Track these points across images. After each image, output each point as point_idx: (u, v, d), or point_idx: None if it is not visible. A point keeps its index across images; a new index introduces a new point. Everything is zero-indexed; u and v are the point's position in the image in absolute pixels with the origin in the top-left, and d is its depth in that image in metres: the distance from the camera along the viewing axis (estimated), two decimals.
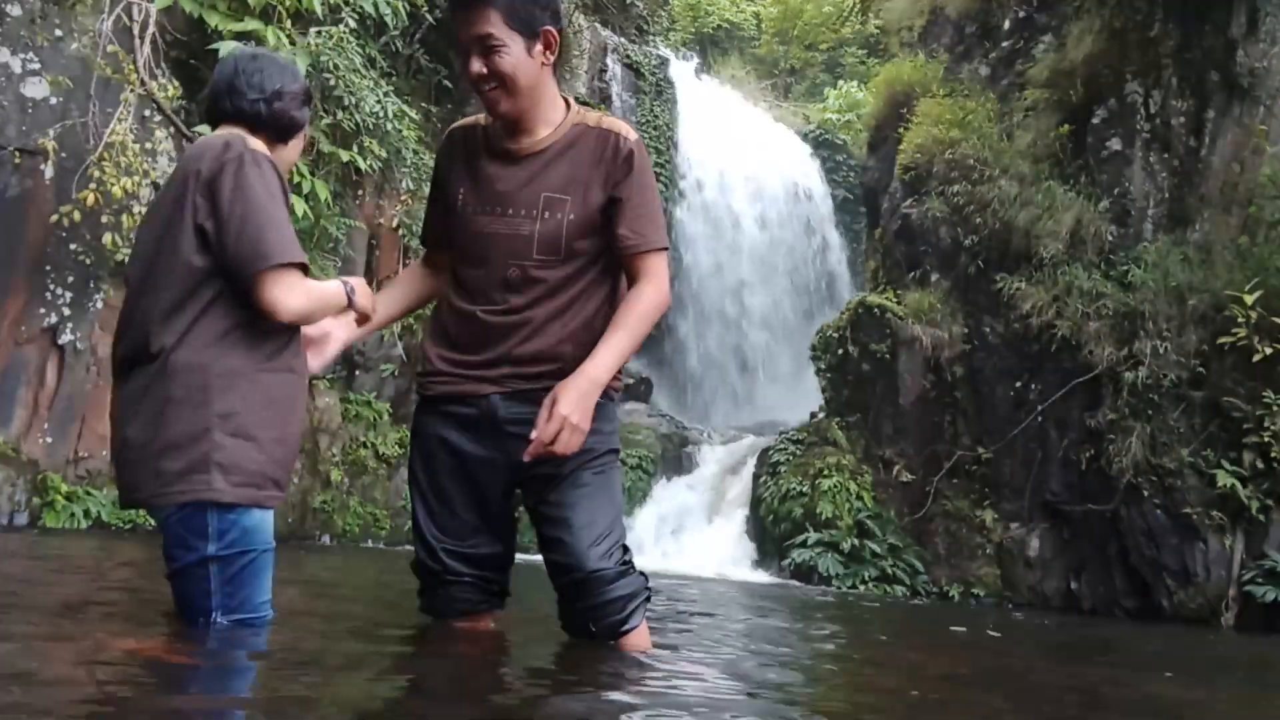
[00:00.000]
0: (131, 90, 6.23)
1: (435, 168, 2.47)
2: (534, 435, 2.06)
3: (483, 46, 2.12)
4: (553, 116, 2.26)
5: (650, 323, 2.23)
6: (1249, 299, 7.63)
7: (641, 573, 2.23)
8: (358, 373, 8.61)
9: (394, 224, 8.66)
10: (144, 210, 6.25)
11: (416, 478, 2.30)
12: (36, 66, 6.27)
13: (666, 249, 2.30)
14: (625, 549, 2.21)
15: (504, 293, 2.22)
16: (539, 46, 2.18)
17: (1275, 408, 7.46)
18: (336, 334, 2.31)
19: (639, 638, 2.20)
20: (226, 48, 6.41)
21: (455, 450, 2.24)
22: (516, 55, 2.14)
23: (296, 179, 6.78)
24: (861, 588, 8.18)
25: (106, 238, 6.14)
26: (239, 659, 1.89)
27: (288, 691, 1.61)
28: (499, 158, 2.28)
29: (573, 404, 2.06)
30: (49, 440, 6.35)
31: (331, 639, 2.25)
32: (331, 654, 2.11)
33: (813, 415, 10.66)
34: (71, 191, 6.02)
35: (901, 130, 10.54)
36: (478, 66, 2.13)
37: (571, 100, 2.32)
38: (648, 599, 2.23)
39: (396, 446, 8.36)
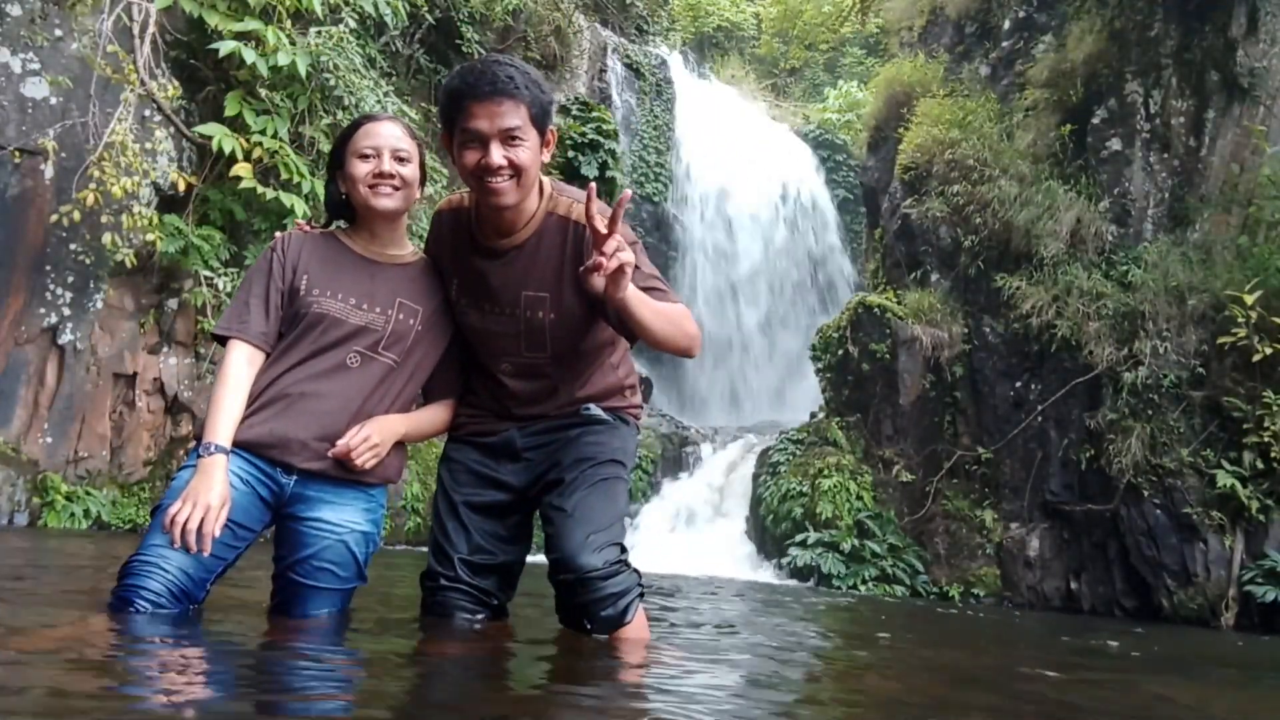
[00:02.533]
0: (131, 90, 6.22)
1: (426, 250, 2.53)
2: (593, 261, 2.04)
3: (507, 138, 2.16)
4: (529, 207, 2.31)
5: (678, 326, 2.27)
6: (1249, 299, 7.63)
7: (635, 570, 2.28)
8: None
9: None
10: (144, 210, 6.26)
11: (439, 499, 2.49)
12: (36, 66, 6.27)
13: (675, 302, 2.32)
14: (621, 549, 2.27)
15: (503, 377, 2.40)
16: (543, 143, 2.25)
17: (1275, 408, 7.46)
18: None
19: (636, 629, 2.25)
20: (226, 48, 6.41)
21: (477, 473, 2.44)
22: (533, 149, 2.21)
23: (296, 179, 6.79)
24: (862, 588, 8.18)
25: (106, 238, 6.14)
26: (236, 655, 1.90)
27: (290, 687, 1.62)
28: (482, 253, 2.35)
29: (620, 245, 2.05)
30: (49, 440, 6.35)
31: (332, 632, 2.26)
32: (332, 648, 2.11)
33: (813, 415, 10.67)
34: (71, 191, 6.02)
35: (901, 130, 10.55)
36: (499, 157, 2.16)
37: (545, 182, 2.36)
38: (641, 595, 2.28)
39: None
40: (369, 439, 2.28)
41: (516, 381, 2.40)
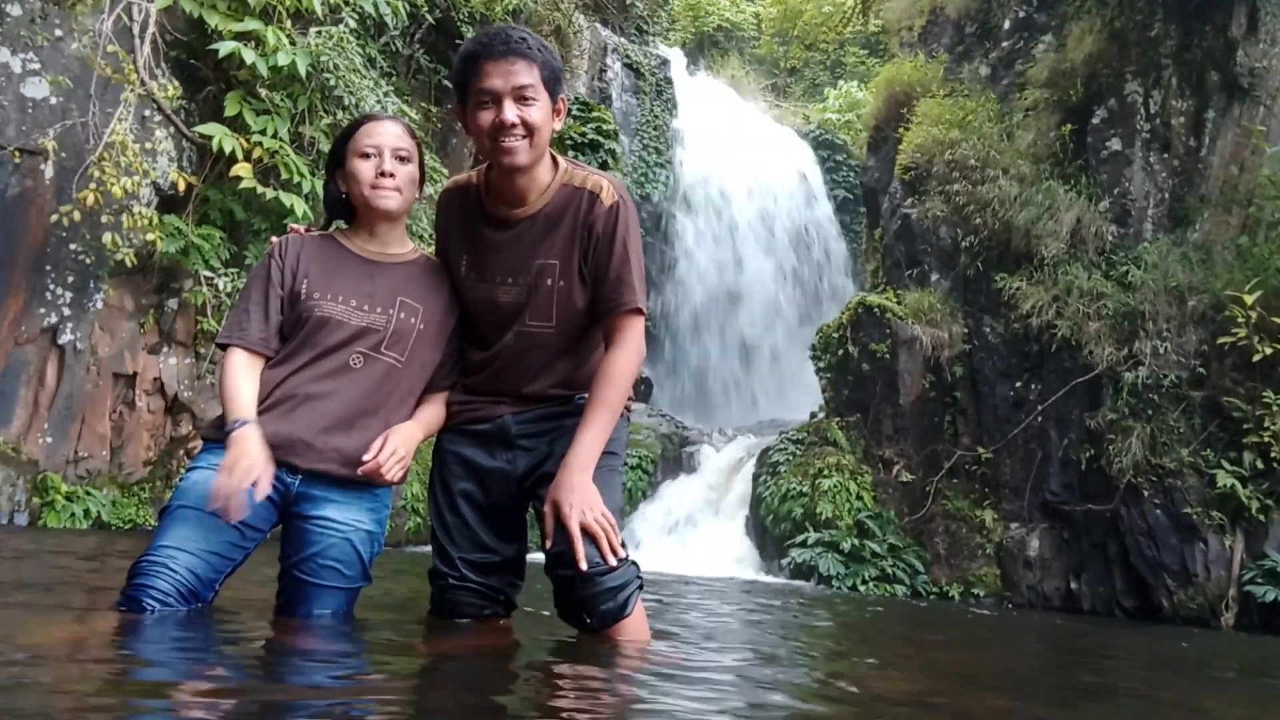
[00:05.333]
0: (131, 90, 6.22)
1: (436, 233, 2.55)
2: (548, 545, 2.18)
3: (519, 96, 2.22)
4: (544, 179, 2.35)
5: (627, 388, 2.32)
6: (1249, 299, 7.63)
7: (634, 563, 2.28)
8: None
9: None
10: (144, 210, 6.25)
11: (436, 492, 2.46)
12: (36, 66, 6.27)
13: (639, 310, 2.33)
14: (620, 542, 2.26)
15: (507, 349, 2.37)
16: (554, 110, 2.31)
17: (1275, 408, 7.46)
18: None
19: (635, 625, 2.24)
20: (226, 48, 6.41)
21: (471, 464, 2.41)
22: (545, 110, 2.26)
23: (297, 179, 6.78)
24: (862, 588, 8.18)
25: (106, 238, 6.13)
26: (243, 655, 1.90)
27: (296, 687, 1.62)
28: (493, 224, 2.38)
29: (570, 499, 2.17)
30: (49, 440, 6.35)
31: (337, 631, 2.26)
32: (336, 647, 2.12)
33: (813, 415, 10.67)
34: (71, 191, 6.02)
35: (901, 130, 10.55)
36: (511, 114, 2.21)
37: (560, 159, 2.41)
38: (640, 587, 2.28)
39: None
40: (395, 452, 2.29)
41: (518, 354, 2.37)
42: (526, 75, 2.22)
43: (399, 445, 2.30)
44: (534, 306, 2.33)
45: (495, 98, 2.22)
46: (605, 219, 2.30)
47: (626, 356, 2.29)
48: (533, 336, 2.35)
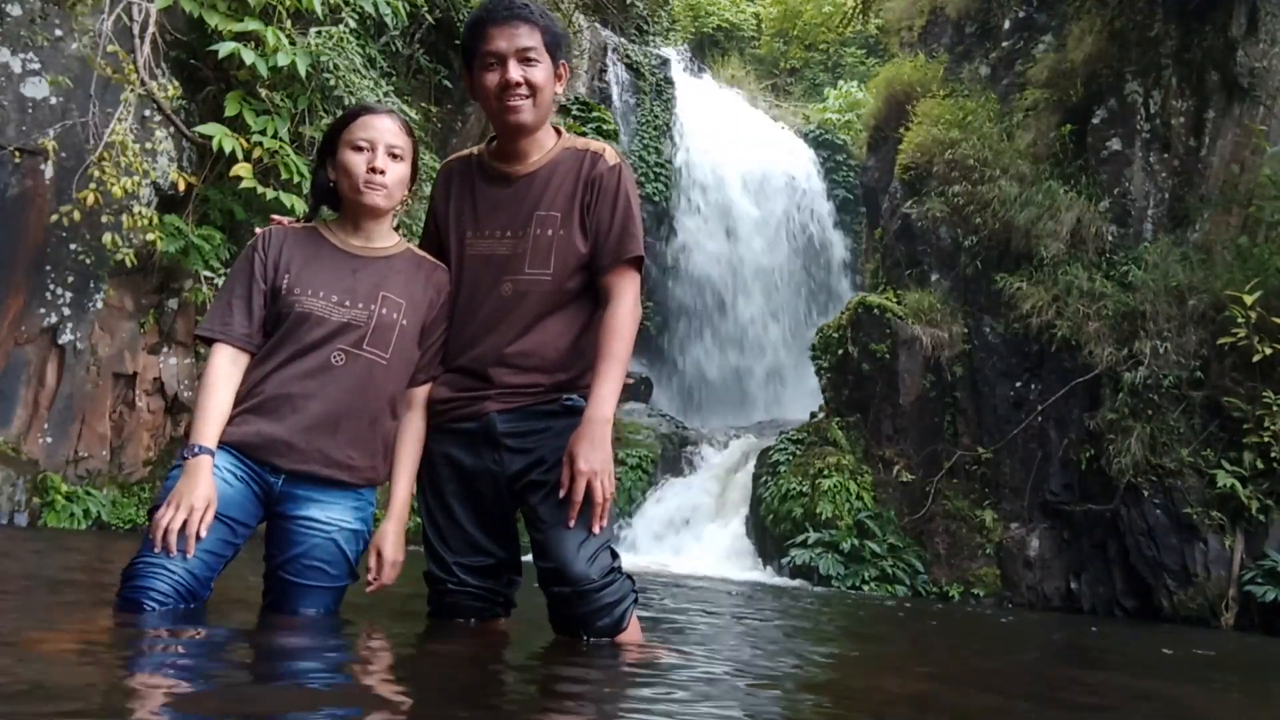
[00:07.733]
0: (131, 90, 6.22)
1: (431, 201, 2.56)
2: (563, 493, 2.18)
3: (523, 58, 2.32)
4: (546, 142, 2.44)
5: (631, 340, 2.35)
6: (1249, 299, 7.62)
7: (629, 576, 2.28)
8: None
9: (394, 223, 8.64)
10: (144, 210, 6.26)
11: (425, 494, 2.45)
12: (36, 66, 6.27)
13: (640, 261, 2.38)
14: (613, 554, 2.26)
15: (500, 301, 2.36)
16: (556, 74, 2.40)
17: (1275, 408, 7.45)
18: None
19: (630, 634, 2.26)
20: (226, 48, 6.41)
21: (458, 465, 2.39)
22: (547, 72, 2.36)
23: (297, 179, 6.79)
24: (863, 588, 8.18)
25: (106, 238, 6.13)
26: (230, 658, 1.90)
27: (289, 684, 1.62)
28: (494, 182, 2.43)
29: (589, 455, 2.17)
30: (49, 440, 6.35)
31: (331, 632, 2.26)
32: (333, 650, 2.11)
33: (813, 415, 10.67)
34: (71, 191, 6.02)
35: (901, 130, 10.55)
36: (517, 74, 2.31)
37: (562, 129, 2.50)
38: (636, 600, 2.28)
39: None
40: (395, 563, 2.38)
41: (512, 305, 2.34)
42: (529, 38, 2.31)
43: (389, 551, 2.36)
44: (533, 255, 2.35)
45: (500, 59, 2.31)
46: (609, 175, 2.38)
47: (628, 310, 2.33)
48: (531, 284, 2.34)
